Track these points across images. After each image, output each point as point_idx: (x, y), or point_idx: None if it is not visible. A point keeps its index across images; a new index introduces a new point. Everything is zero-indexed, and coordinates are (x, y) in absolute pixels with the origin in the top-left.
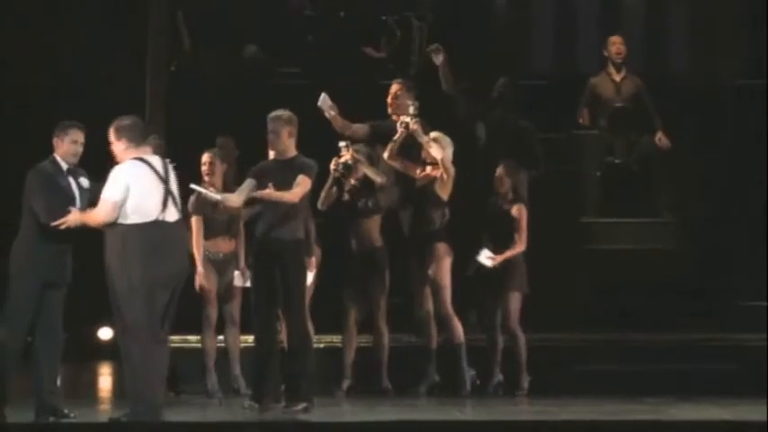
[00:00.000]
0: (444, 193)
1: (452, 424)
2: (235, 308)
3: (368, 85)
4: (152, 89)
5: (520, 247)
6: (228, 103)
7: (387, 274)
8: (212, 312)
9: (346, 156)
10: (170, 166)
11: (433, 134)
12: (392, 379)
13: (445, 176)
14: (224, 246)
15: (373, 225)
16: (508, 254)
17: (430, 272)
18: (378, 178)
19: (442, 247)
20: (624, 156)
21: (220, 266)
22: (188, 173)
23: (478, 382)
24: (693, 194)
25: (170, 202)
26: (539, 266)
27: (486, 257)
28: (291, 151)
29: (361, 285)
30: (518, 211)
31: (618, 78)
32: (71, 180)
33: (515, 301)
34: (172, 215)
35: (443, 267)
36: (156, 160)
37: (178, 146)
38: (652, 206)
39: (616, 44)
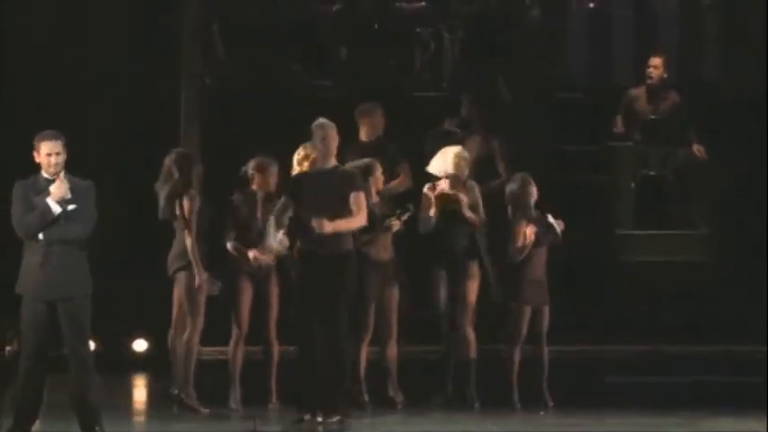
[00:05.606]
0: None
1: None
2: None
3: (401, 98)
4: (186, 101)
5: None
6: (261, 116)
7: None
8: (241, 323)
9: None
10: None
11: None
12: (416, 391)
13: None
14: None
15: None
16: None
17: (459, 289)
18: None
19: (472, 266)
20: (659, 168)
21: (254, 277)
22: (221, 184)
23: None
24: (728, 206)
25: None
26: (573, 278)
27: None
28: (334, 160)
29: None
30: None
31: (656, 96)
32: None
33: (516, 311)
34: None
35: (471, 286)
36: None
37: (212, 158)
38: (687, 218)
39: (655, 67)
